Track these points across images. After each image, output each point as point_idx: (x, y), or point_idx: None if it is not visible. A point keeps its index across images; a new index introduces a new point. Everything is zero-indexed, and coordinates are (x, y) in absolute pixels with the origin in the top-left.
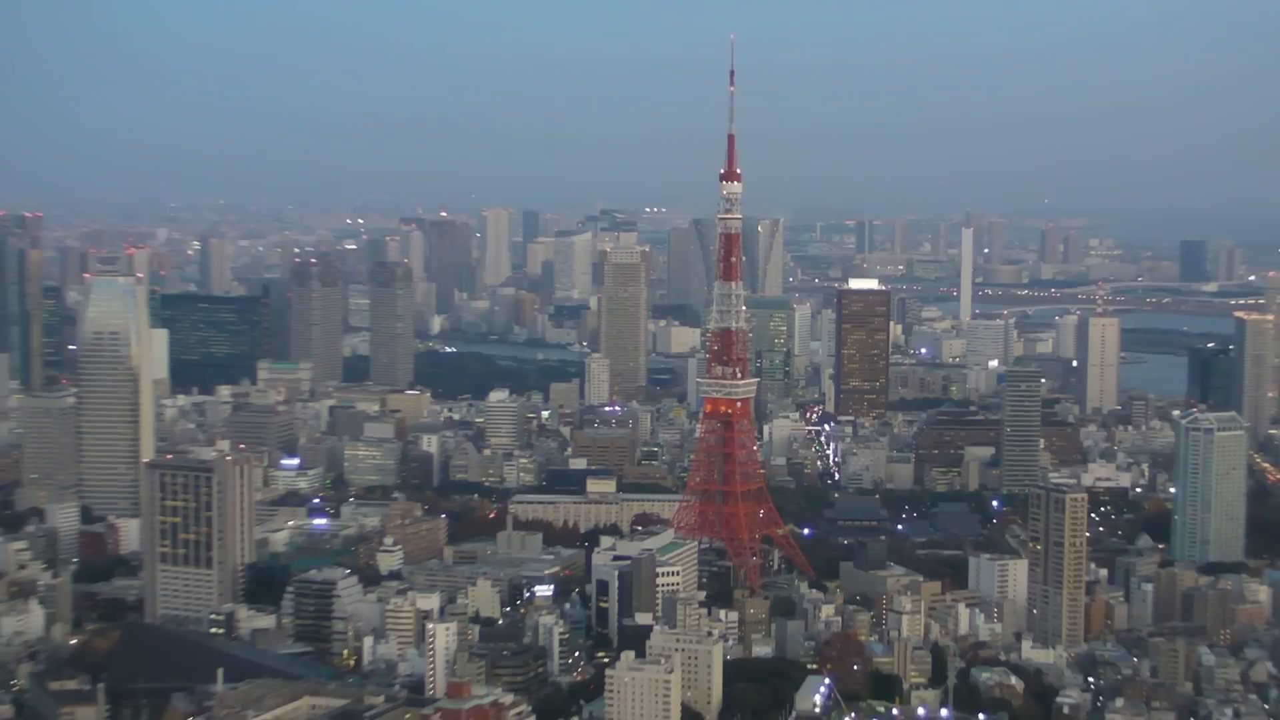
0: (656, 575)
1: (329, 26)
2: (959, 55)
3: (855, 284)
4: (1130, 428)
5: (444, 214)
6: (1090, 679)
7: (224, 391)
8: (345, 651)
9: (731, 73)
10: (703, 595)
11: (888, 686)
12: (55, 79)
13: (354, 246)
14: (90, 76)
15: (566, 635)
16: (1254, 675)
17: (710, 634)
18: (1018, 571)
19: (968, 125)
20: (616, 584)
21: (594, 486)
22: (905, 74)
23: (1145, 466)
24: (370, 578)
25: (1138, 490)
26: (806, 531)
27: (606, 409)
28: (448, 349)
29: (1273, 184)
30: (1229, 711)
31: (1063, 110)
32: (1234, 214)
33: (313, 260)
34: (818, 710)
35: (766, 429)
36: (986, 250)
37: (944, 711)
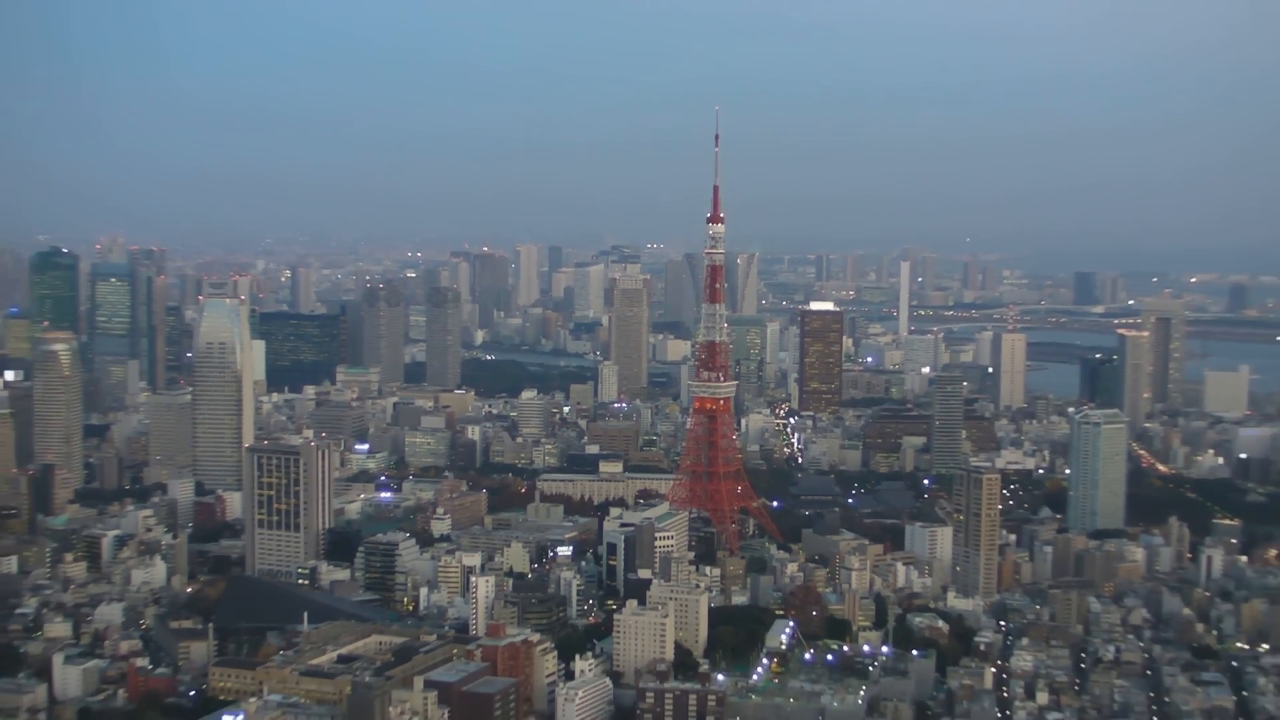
0: (655, 539)
1: (385, 118)
2: (896, 128)
3: (815, 306)
4: (1034, 421)
5: (485, 249)
6: (1002, 622)
7: (309, 390)
8: (405, 599)
9: (716, 136)
10: (692, 555)
11: (840, 628)
12: (169, 132)
13: (413, 274)
14: (198, 127)
15: (582, 586)
16: (1131, 619)
17: (698, 586)
18: (944, 536)
19: (906, 183)
20: (623, 546)
21: (605, 467)
22: (857, 141)
23: (1046, 453)
24: (425, 540)
25: (1040, 472)
26: (775, 504)
27: (615, 405)
28: (488, 357)
29: (1149, 230)
30: (1111, 648)
31: (981, 171)
32: (1118, 250)
33: (380, 286)
34: (784, 647)
35: (744, 422)
36: (920, 279)
37: (885, 648)
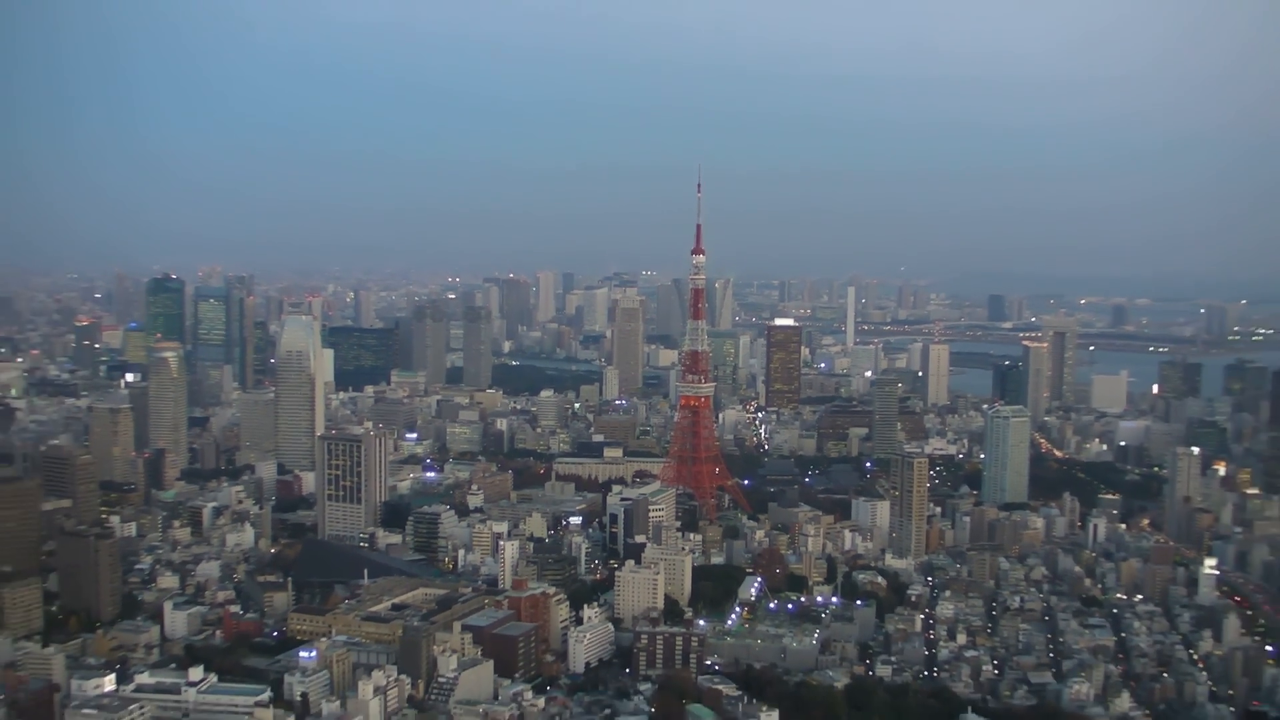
0: (648, 511)
1: (427, 155)
2: (848, 168)
3: (778, 322)
4: (955, 416)
5: (511, 275)
6: (929, 578)
7: (369, 390)
8: (446, 559)
9: (699, 185)
10: (678, 524)
11: (798, 583)
12: (248, 173)
13: (453, 296)
14: (270, 169)
15: (590, 549)
16: (1033, 575)
17: (683, 549)
18: (883, 509)
19: (854, 217)
20: (622, 516)
21: (609, 453)
22: (815, 178)
23: (965, 441)
24: (462, 511)
25: (960, 456)
26: (746, 482)
27: (617, 402)
28: (513, 363)
29: (1047, 260)
30: (1017, 599)
31: (917, 210)
32: (1023, 276)
33: (426, 305)
34: (753, 599)
35: (721, 416)
36: (863, 300)
37: (834, 599)
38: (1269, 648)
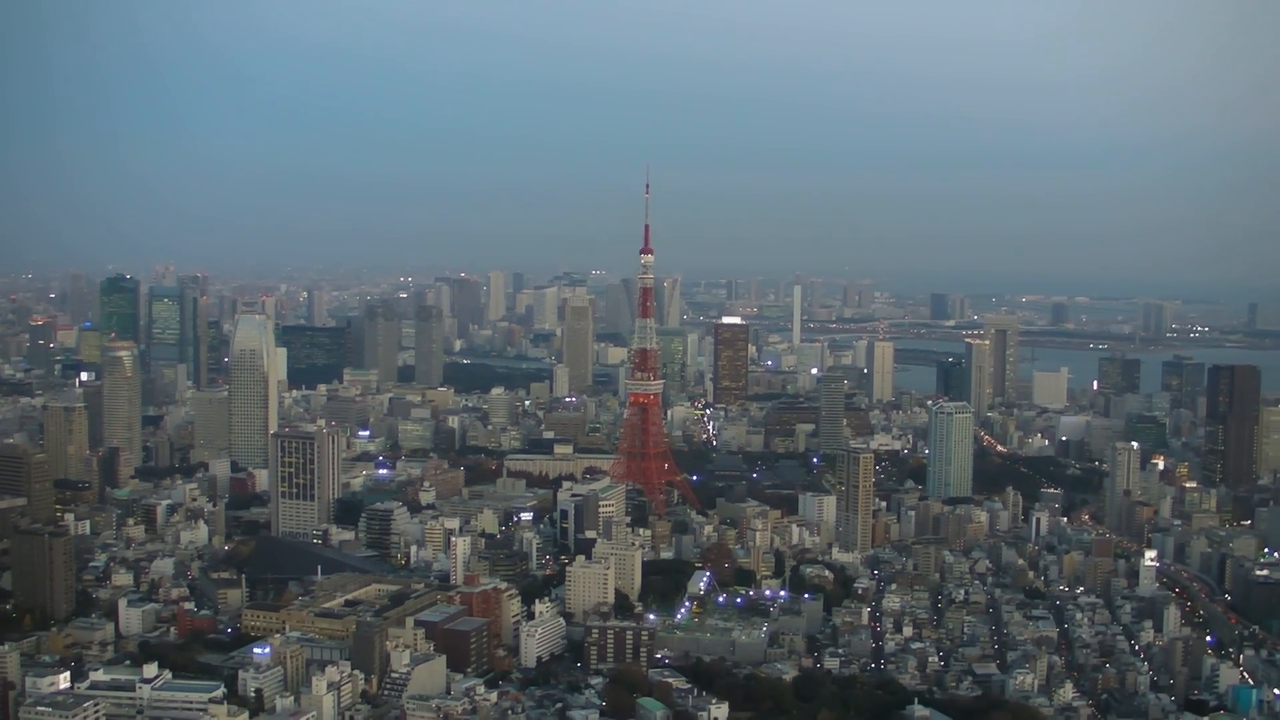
0: (599, 506)
1: (377, 172)
2: (797, 170)
3: (726, 320)
4: (900, 412)
5: (463, 274)
6: (875, 571)
7: (322, 388)
8: (399, 555)
9: (647, 185)
10: (628, 519)
11: (747, 577)
12: (202, 181)
13: (405, 295)
14: (222, 176)
15: (541, 544)
16: (977, 568)
17: (633, 544)
18: (829, 503)
19: (802, 216)
20: (573, 512)
21: (559, 449)
22: (760, 188)
23: (910, 436)
24: (415, 507)
25: (905, 451)
26: (695, 478)
27: (567, 399)
28: (464, 361)
29: (988, 255)
30: (962, 591)
31: (861, 202)
32: (964, 276)
33: (379, 304)
34: (702, 593)
35: (669, 413)
36: (810, 299)
37: (782, 593)
38: (1208, 638)
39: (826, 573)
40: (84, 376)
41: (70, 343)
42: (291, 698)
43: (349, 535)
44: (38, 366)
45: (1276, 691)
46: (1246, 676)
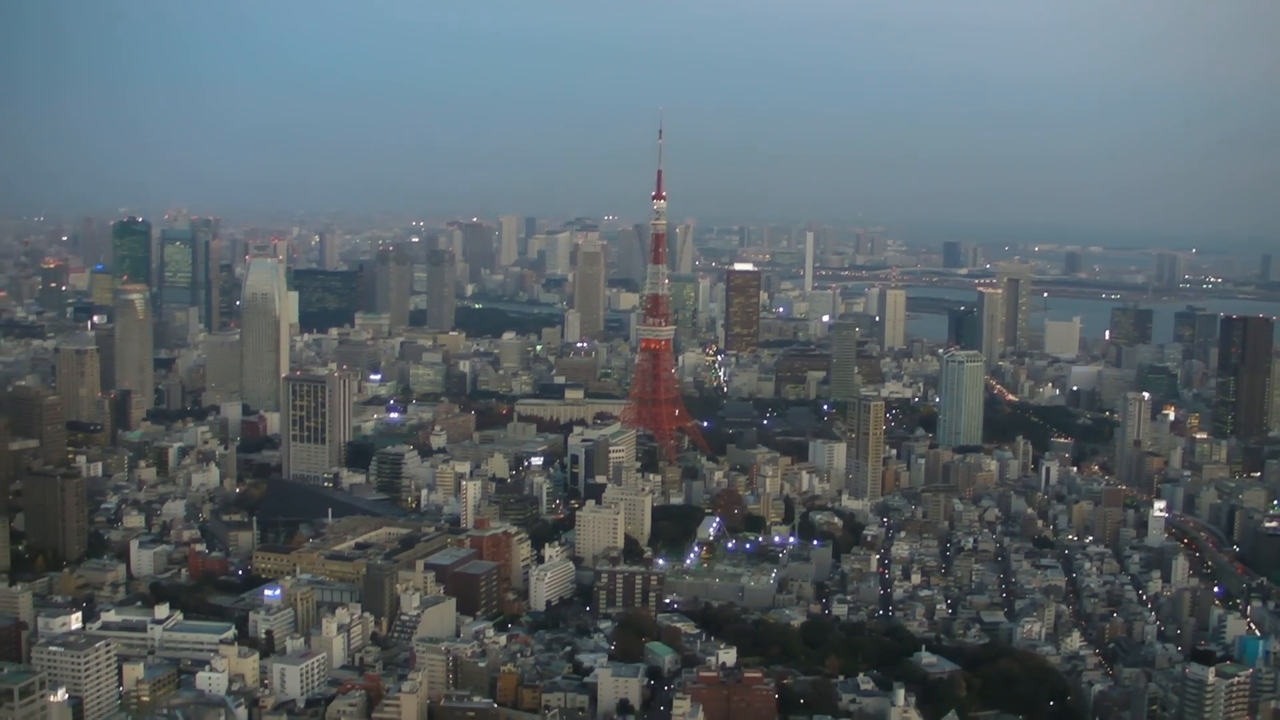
0: (609, 451)
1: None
2: (809, 111)
3: (738, 267)
4: (911, 360)
5: (475, 219)
6: (884, 519)
7: (333, 332)
8: (409, 498)
9: (660, 131)
10: (638, 464)
11: (756, 523)
12: (217, 130)
13: (417, 240)
14: (235, 127)
15: (551, 489)
16: (986, 517)
17: (643, 489)
18: (840, 451)
19: (815, 168)
20: (583, 457)
21: (570, 394)
22: (774, 132)
23: (921, 385)
24: (425, 451)
25: (915, 400)
26: (705, 424)
27: (578, 345)
28: (476, 306)
29: (1001, 208)
30: (970, 540)
31: (874, 156)
32: (977, 224)
33: (391, 248)
34: (712, 538)
35: (681, 359)
36: (822, 246)
37: (792, 539)
38: (1216, 588)
39: (836, 520)
40: (96, 319)
41: (82, 285)
42: (302, 639)
43: (360, 478)
44: (50, 309)
45: None
46: (1254, 627)
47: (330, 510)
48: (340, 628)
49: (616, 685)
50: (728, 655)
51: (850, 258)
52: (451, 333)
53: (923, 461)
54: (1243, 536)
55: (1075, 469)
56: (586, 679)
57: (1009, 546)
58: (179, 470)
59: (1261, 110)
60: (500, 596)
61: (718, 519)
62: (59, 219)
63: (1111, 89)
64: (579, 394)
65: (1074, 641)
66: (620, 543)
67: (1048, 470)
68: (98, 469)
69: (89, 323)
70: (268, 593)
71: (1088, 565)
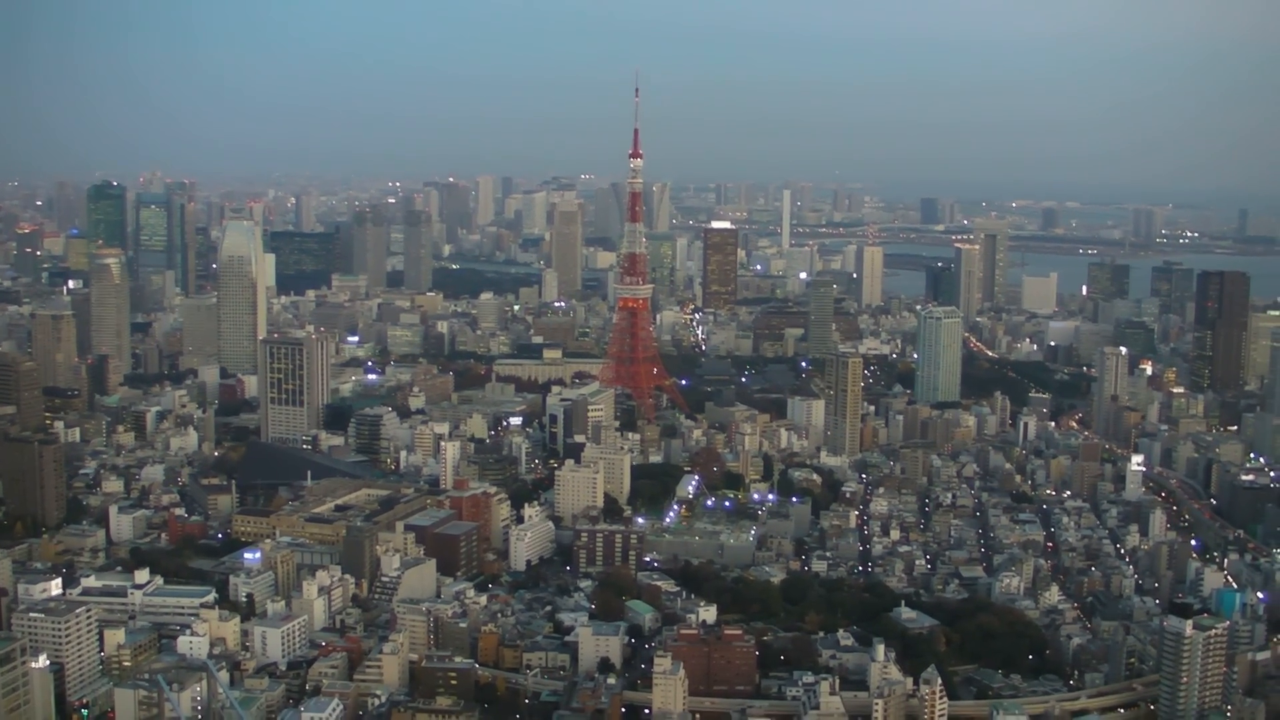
0: (587, 411)
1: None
2: (784, 77)
3: (715, 224)
4: (889, 316)
5: (451, 179)
6: (863, 475)
7: (310, 294)
8: (388, 460)
9: (636, 89)
10: (617, 423)
11: (735, 481)
12: (195, 88)
13: (393, 200)
14: (212, 89)
15: (530, 449)
16: (965, 472)
17: (622, 448)
18: (818, 407)
19: (791, 130)
20: (562, 416)
21: (548, 354)
22: (750, 91)
23: (899, 341)
24: (404, 412)
25: (893, 356)
26: (684, 382)
27: (555, 304)
28: (453, 266)
29: (982, 166)
30: (949, 495)
31: (848, 119)
32: (955, 181)
33: (367, 210)
34: (691, 496)
35: (658, 317)
36: (799, 203)
37: (771, 496)
38: (1193, 542)
39: (815, 476)
40: (71, 284)
41: (57, 250)
42: (282, 602)
43: (338, 440)
44: (25, 274)
45: (1260, 595)
46: (1230, 580)
47: (309, 473)
48: (321, 590)
49: (597, 644)
50: (708, 613)
51: (828, 215)
52: (429, 293)
53: (901, 418)
54: (1220, 490)
55: (1053, 424)
56: (567, 638)
57: (987, 502)
58: (157, 435)
59: (1242, 68)
60: (480, 557)
61: (697, 477)
62: (32, 183)
63: (1093, 52)
64: (557, 354)
65: (1052, 595)
66: (600, 502)
67: (1025, 425)
68: (76, 434)
69: (65, 288)
70: (248, 556)
71: (1066, 520)
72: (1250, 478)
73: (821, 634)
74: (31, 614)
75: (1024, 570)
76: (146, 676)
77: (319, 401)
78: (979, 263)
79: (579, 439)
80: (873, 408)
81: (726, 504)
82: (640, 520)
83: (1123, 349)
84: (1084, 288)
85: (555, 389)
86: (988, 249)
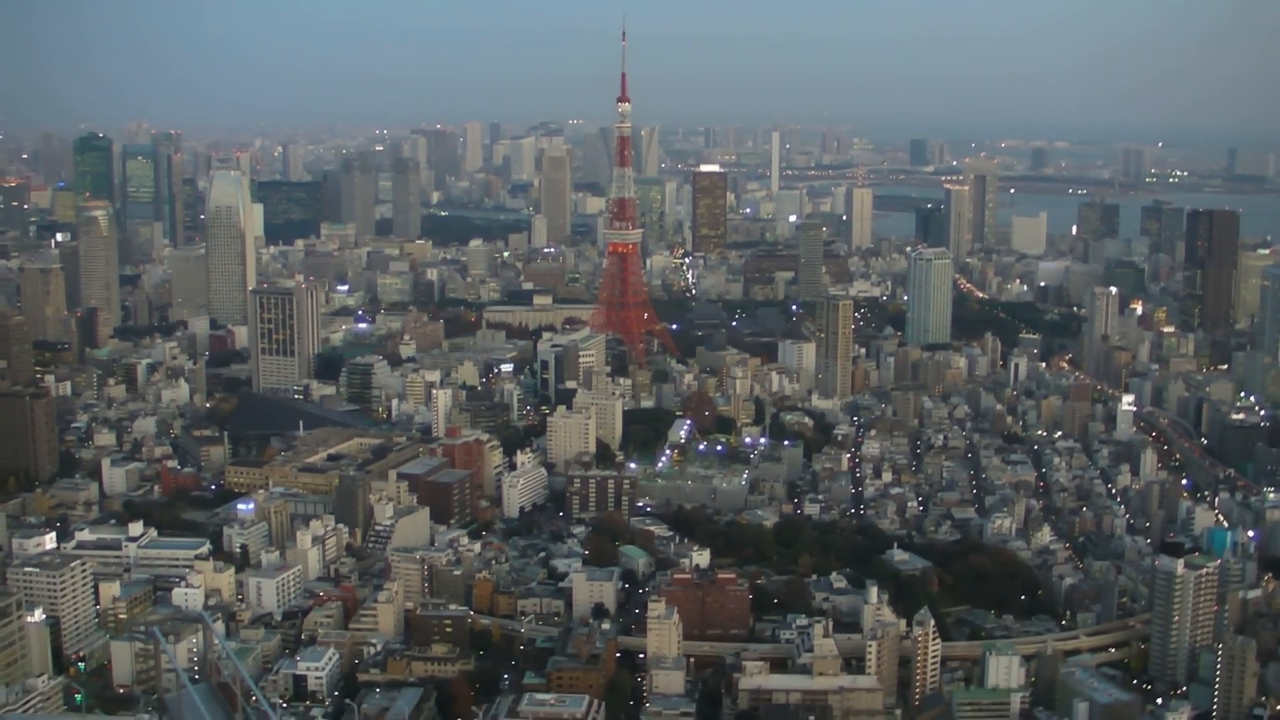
0: (579, 356)
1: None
2: (774, 25)
3: (704, 168)
4: (879, 258)
5: (439, 126)
6: (855, 418)
7: (299, 243)
8: (380, 409)
9: (623, 33)
10: (608, 369)
11: (727, 425)
12: (181, 36)
13: (381, 148)
14: (205, 28)
15: (521, 395)
16: (956, 414)
17: (613, 394)
18: (809, 351)
19: (777, 71)
20: (553, 362)
21: (538, 300)
22: (739, 34)
23: (889, 283)
24: (395, 361)
25: (884, 298)
26: (674, 327)
27: (545, 250)
28: (442, 213)
29: (971, 106)
30: (940, 437)
31: (841, 41)
32: (944, 121)
33: (355, 158)
34: (683, 441)
35: (648, 262)
36: (788, 146)
37: (763, 440)
38: (1184, 481)
39: (806, 420)
40: (59, 237)
41: (44, 203)
42: (276, 552)
43: (330, 390)
44: (12, 228)
45: (1250, 533)
46: (1221, 519)
47: (301, 423)
48: (315, 540)
49: (591, 589)
50: (701, 557)
51: (816, 157)
52: (418, 241)
53: (892, 360)
54: (1210, 429)
55: (1044, 364)
56: (561, 584)
57: (979, 443)
58: (148, 387)
59: (1231, 7)
60: (473, 504)
61: (688, 422)
62: (18, 136)
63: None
64: (547, 300)
65: (1044, 536)
66: (592, 447)
67: (1016, 366)
68: (67, 388)
69: (53, 241)
70: (241, 507)
71: (1057, 460)
72: (1241, 416)
73: (815, 577)
74: (26, 568)
75: (1016, 511)
76: (142, 629)
77: (310, 351)
78: (968, 203)
79: (570, 385)
80: (863, 350)
81: (718, 448)
82: (632, 465)
83: (1113, 289)
84: (1074, 228)
85: (546, 335)
86: (977, 190)
